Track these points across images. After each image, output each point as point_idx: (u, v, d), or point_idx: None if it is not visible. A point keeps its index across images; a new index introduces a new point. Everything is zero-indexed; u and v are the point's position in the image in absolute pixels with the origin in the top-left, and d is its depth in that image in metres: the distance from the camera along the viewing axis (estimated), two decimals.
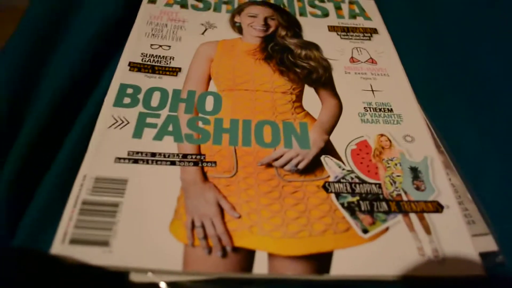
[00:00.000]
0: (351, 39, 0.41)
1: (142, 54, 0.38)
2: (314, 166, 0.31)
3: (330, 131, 0.33)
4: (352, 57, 0.39)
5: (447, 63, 0.41)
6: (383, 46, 0.41)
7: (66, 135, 0.34)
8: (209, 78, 0.37)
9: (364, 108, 0.35)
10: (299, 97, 0.35)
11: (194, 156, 0.30)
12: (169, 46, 0.39)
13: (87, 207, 0.27)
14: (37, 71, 0.36)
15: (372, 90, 0.36)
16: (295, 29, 0.42)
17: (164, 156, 0.30)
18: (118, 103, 0.33)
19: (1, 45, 0.38)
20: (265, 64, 0.38)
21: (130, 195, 0.28)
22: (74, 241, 0.25)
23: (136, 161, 0.30)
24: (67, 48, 0.38)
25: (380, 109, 0.35)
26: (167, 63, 0.37)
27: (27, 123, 0.33)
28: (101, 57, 0.39)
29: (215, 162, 0.30)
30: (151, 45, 0.39)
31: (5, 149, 0.31)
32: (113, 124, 0.32)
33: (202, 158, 0.30)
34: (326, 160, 0.31)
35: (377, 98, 0.36)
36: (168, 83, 0.36)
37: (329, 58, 0.39)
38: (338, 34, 0.42)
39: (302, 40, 0.41)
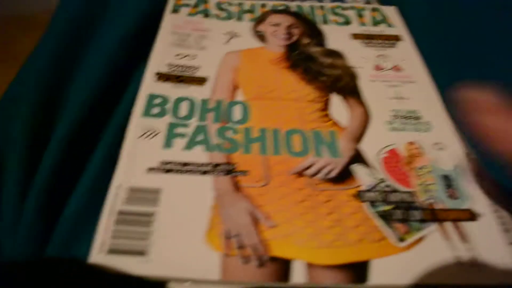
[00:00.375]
0: (375, 46, 0.41)
1: (168, 64, 0.38)
2: (345, 175, 0.31)
3: (359, 139, 0.33)
4: (376, 65, 0.39)
5: (472, 68, 0.40)
6: (407, 53, 0.41)
7: (96, 144, 0.34)
8: (236, 87, 0.37)
9: (392, 116, 0.35)
10: (326, 106, 0.35)
11: (225, 166, 0.31)
12: (195, 56, 0.39)
13: (123, 217, 0.27)
14: (64, 80, 0.37)
15: (399, 98, 0.36)
16: (318, 37, 0.42)
17: (196, 166, 0.30)
18: (147, 113, 0.34)
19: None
20: (290, 73, 0.38)
21: (164, 205, 0.28)
22: (112, 251, 0.26)
23: (168, 171, 0.30)
24: (94, 57, 0.39)
25: (408, 117, 0.35)
26: (194, 73, 0.38)
27: (57, 132, 0.33)
28: (126, 66, 0.39)
29: (246, 171, 0.30)
30: (177, 54, 0.39)
31: (36, 157, 0.31)
32: (143, 134, 0.32)
33: (233, 167, 0.31)
34: (357, 168, 0.31)
35: (404, 105, 0.36)
36: (196, 92, 0.36)
37: (354, 66, 0.39)
38: (361, 42, 0.42)
39: (326, 48, 0.41)
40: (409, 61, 0.40)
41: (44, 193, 0.30)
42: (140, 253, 0.26)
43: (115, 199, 0.28)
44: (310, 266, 0.26)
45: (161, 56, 0.39)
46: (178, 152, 0.31)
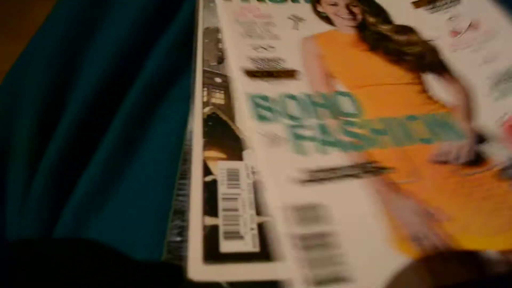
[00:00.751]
0: (441, 9, 0.40)
1: (250, 58, 0.34)
2: (477, 156, 0.31)
3: (473, 116, 0.33)
4: (451, 31, 0.38)
5: None
6: (475, 2, 0.39)
7: (107, 128, 0.32)
8: (329, 76, 0.34)
9: (492, 83, 0.34)
10: (425, 86, 0.35)
11: (370, 165, 0.29)
12: (272, 47, 0.35)
13: (308, 242, 0.24)
14: (75, 58, 0.35)
15: (490, 61, 0.35)
16: (381, 13, 0.41)
17: (343, 170, 0.28)
18: (259, 117, 0.30)
19: None
20: (373, 56, 0.36)
21: (337, 220, 0.26)
22: (319, 283, 0.23)
23: (321, 180, 0.27)
24: (108, 35, 0.36)
25: (509, 78, 0.34)
26: (281, 66, 0.34)
27: (67, 113, 0.32)
28: (139, 48, 0.36)
29: (393, 168, 0.29)
30: (253, 47, 0.35)
31: (45, 138, 0.31)
32: (267, 142, 0.29)
33: (380, 165, 0.29)
34: (486, 147, 0.31)
35: (499, 65, 0.34)
36: (293, 87, 0.33)
37: (430, 39, 0.38)
38: (425, 9, 0.41)
39: (395, 24, 0.40)
40: (482, 11, 0.38)
41: (52, 175, 0.29)
42: (345, 279, 0.23)
43: (286, 223, 0.25)
44: (503, 252, 0.26)
45: (238, 50, 0.34)
46: (315, 158, 0.28)
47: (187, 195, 0.26)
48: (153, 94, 0.35)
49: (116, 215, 0.29)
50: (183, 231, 0.26)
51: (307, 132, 0.30)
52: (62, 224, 0.28)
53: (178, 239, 0.26)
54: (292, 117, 0.31)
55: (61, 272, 0.22)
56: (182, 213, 0.27)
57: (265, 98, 0.31)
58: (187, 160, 0.29)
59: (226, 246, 0.24)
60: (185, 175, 0.28)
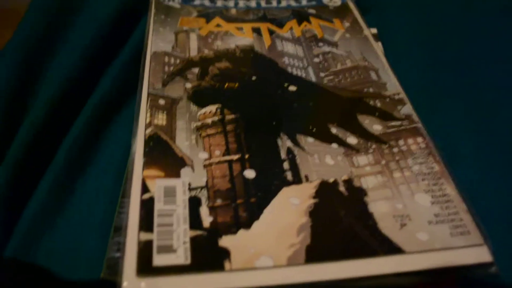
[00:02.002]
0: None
1: None
2: None
3: None
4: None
5: (443, 72, 0.42)
6: None
7: (63, 137, 0.34)
8: None
9: None
10: None
11: None
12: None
13: None
14: (35, 72, 0.37)
15: None
16: None
17: None
18: None
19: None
20: None
21: None
22: None
23: None
24: (69, 47, 0.39)
25: None
26: None
27: (22, 127, 0.33)
28: (101, 56, 0.39)
29: None
30: None
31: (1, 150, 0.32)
32: None
33: None
34: None
35: None
36: None
37: None
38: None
39: None
40: None
41: (5, 190, 0.30)
42: None
43: None
44: None
45: None
46: None
47: (126, 213, 0.28)
48: (103, 115, 0.36)
49: (64, 233, 0.30)
50: (122, 247, 0.27)
51: None
52: (13, 242, 0.29)
53: (117, 255, 0.27)
54: None
55: None
56: (122, 230, 0.28)
57: None
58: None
59: (159, 259, 0.25)
60: (128, 193, 0.30)
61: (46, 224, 0.30)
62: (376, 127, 0.34)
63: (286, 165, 0.31)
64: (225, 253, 0.25)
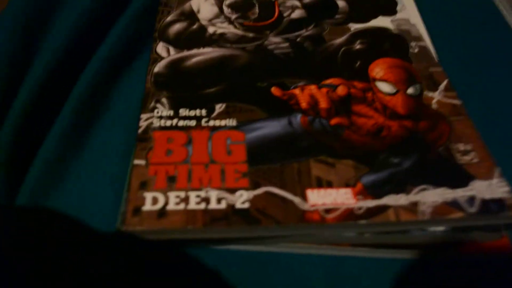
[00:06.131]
0: None
1: None
2: None
3: None
4: None
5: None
6: None
7: (71, 91, 0.32)
8: None
9: None
10: None
11: None
12: None
13: None
14: (41, 24, 0.35)
15: None
16: None
17: None
18: None
19: None
20: None
21: None
22: None
23: None
24: (63, 19, 0.36)
25: None
26: None
27: (24, 84, 0.32)
28: (96, 27, 0.36)
29: None
30: None
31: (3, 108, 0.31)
32: None
33: None
34: None
35: None
36: None
37: None
38: None
39: None
40: None
41: (11, 147, 0.29)
42: None
43: None
44: None
45: None
46: None
47: None
48: (113, 66, 0.34)
49: (74, 187, 0.29)
50: None
51: None
52: (22, 196, 0.28)
53: None
54: None
55: (20, 238, 0.22)
56: None
57: None
58: None
59: None
60: None
61: (56, 176, 0.29)
62: None
63: None
64: None
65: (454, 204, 0.24)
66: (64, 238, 0.23)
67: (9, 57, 0.33)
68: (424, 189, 0.24)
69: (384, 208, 0.23)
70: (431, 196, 0.24)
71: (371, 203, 0.24)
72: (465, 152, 0.27)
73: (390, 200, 0.24)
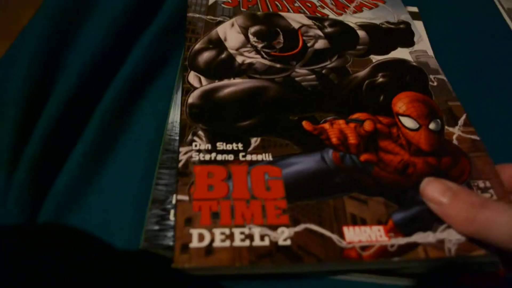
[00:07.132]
0: None
1: None
2: None
3: None
4: None
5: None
6: None
7: (91, 115, 0.33)
8: None
9: None
10: None
11: None
12: None
13: None
14: (65, 42, 0.35)
15: None
16: None
17: None
18: None
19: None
20: None
21: None
22: None
23: None
24: (95, 24, 0.37)
25: None
26: None
27: (51, 99, 0.32)
28: (127, 34, 0.37)
29: None
30: None
31: (30, 123, 0.31)
32: None
33: None
34: None
35: None
36: None
37: None
38: None
39: None
40: None
41: (35, 165, 0.29)
42: None
43: None
44: None
45: None
46: None
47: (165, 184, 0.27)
48: (134, 87, 0.35)
49: (96, 205, 0.29)
50: (161, 220, 0.26)
51: None
52: (44, 214, 0.28)
53: (156, 227, 0.26)
54: None
55: (42, 256, 0.22)
56: (160, 202, 0.27)
57: None
58: (168, 150, 0.29)
59: None
60: (165, 164, 0.29)
61: (78, 194, 0.29)
62: None
63: None
64: None
65: (476, 242, 0.25)
66: (85, 256, 0.24)
67: (34, 76, 0.33)
68: (448, 227, 0.26)
69: (414, 246, 0.25)
70: (455, 234, 0.26)
71: (402, 240, 0.25)
72: (485, 189, 0.28)
73: (418, 237, 0.25)
